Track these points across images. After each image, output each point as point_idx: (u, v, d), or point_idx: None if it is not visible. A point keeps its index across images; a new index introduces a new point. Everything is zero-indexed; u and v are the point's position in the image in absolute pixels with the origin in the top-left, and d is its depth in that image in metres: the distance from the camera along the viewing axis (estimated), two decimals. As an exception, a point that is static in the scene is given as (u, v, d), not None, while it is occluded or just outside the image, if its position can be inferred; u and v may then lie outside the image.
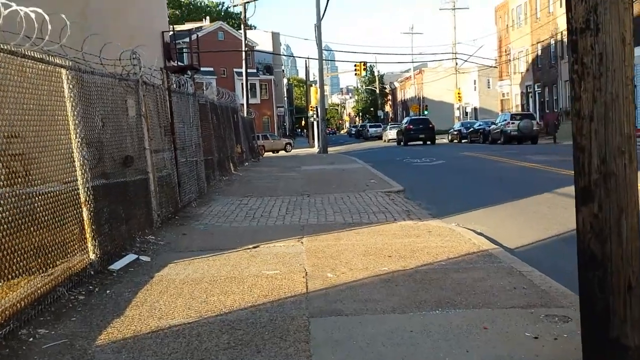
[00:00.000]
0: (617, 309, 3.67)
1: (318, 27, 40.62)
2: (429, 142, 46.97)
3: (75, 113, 6.96)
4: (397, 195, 14.34)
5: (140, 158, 9.78)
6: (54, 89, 6.59)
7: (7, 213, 5.18)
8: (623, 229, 3.62)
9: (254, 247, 8.47)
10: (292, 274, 6.86)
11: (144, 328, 5.18)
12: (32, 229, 5.64)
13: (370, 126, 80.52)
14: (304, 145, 60.71)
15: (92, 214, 7.04)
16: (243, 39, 46.84)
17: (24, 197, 5.52)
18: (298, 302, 5.78)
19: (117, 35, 13.55)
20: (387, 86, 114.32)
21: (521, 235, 9.28)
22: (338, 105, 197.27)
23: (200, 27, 65.03)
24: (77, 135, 6.96)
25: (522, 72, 58.35)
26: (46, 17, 6.35)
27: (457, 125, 56.02)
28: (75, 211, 6.73)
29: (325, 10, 40.56)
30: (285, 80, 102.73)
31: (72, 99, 6.92)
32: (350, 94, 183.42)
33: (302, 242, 8.74)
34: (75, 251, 6.61)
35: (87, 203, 6.96)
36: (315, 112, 48.11)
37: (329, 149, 42.17)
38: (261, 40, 76.62)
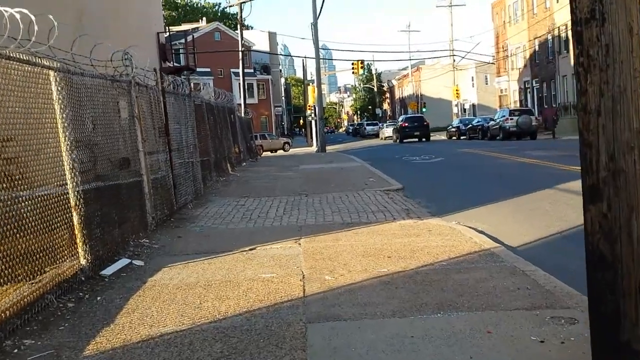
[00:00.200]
0: (628, 312, 3.49)
1: (315, 26, 40.44)
2: (424, 139, 47.92)
3: (64, 116, 6.77)
4: (396, 193, 14.16)
5: (133, 160, 9.59)
6: (41, 91, 6.39)
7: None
8: (634, 229, 3.43)
9: (251, 250, 8.29)
10: (289, 277, 6.67)
11: (135, 337, 4.99)
12: (18, 235, 5.45)
13: (368, 124, 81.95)
14: (303, 144, 60.56)
15: (82, 218, 6.85)
16: (240, 39, 46.66)
17: (8, 202, 5.33)
18: (295, 307, 5.59)
19: (112, 37, 13.34)
20: (385, 84, 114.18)
21: (523, 232, 9.10)
22: (336, 103, 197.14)
23: (197, 28, 64.81)
24: (67, 138, 6.77)
25: (519, 68, 58.19)
26: (32, 17, 6.16)
27: (455, 121, 55.89)
28: (64, 215, 6.54)
29: (321, 9, 40.32)
30: (282, 80, 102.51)
31: (60, 101, 6.72)
32: (348, 92, 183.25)
33: (300, 244, 8.55)
34: (65, 257, 6.42)
35: (77, 207, 6.77)
36: (313, 111, 48.03)
37: (328, 147, 41.99)
38: (258, 40, 76.39)
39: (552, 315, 5.02)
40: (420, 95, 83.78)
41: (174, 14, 78.74)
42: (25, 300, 5.34)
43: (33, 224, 5.76)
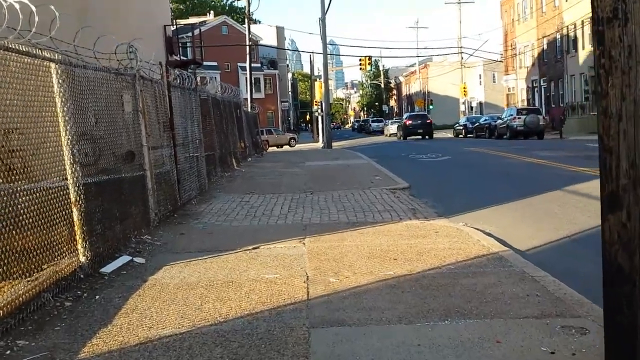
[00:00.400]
0: (646, 327, 3.33)
1: (322, 21, 40.25)
2: (427, 137, 48.44)
3: (66, 109, 6.62)
4: (403, 192, 13.99)
5: (137, 155, 9.44)
6: (41, 83, 6.24)
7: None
8: (655, 240, 3.26)
9: (254, 248, 8.13)
10: (292, 279, 6.52)
11: (132, 339, 4.84)
12: (15, 230, 5.30)
13: (373, 121, 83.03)
14: (309, 140, 60.37)
15: (83, 214, 6.70)
16: (247, 33, 46.50)
17: (5, 197, 5.18)
18: (298, 310, 5.44)
19: (117, 30, 13.20)
20: (392, 81, 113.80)
21: (531, 235, 8.92)
22: (343, 99, 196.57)
23: (204, 21, 64.68)
24: (67, 132, 6.62)
25: (527, 67, 57.84)
26: (33, 8, 6.01)
27: (462, 120, 55.67)
28: (64, 211, 6.40)
29: (329, 4, 40.08)
30: (289, 75, 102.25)
31: (62, 94, 6.58)
32: (355, 88, 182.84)
33: (304, 243, 8.40)
34: (64, 253, 6.29)
35: (77, 203, 6.63)
36: (319, 106, 47.87)
37: (334, 143, 41.78)
38: (265, 35, 76.22)
39: (562, 325, 4.86)
40: (428, 92, 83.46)
41: (181, 7, 78.60)
42: (21, 298, 5.19)
43: (31, 218, 5.62)
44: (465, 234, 8.69)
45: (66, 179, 6.56)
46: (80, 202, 6.68)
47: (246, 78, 47.80)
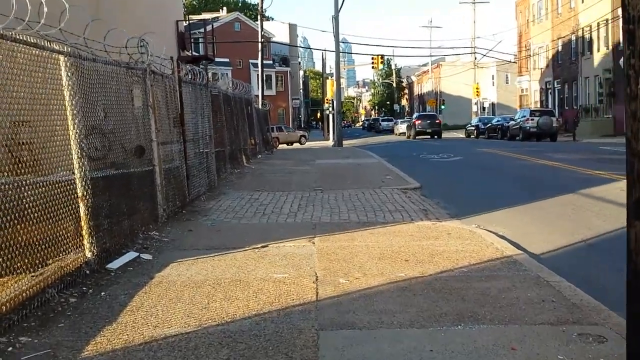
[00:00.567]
0: (672, 339, 3.18)
1: (335, 19, 40.09)
2: (435, 137, 49.56)
3: (74, 102, 6.51)
4: (414, 192, 13.83)
5: (146, 150, 9.33)
6: (50, 76, 6.14)
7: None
8: (684, 249, 3.11)
9: (263, 247, 8.01)
10: (301, 279, 6.39)
11: (137, 338, 4.72)
12: (20, 224, 5.20)
13: (383, 120, 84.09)
14: (319, 138, 60.24)
15: (89, 208, 6.60)
16: (259, 30, 46.33)
17: (10, 190, 5.08)
18: (307, 312, 5.31)
19: (128, 23, 13.10)
20: (404, 80, 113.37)
21: (546, 239, 8.75)
22: (354, 98, 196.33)
23: (217, 17, 64.62)
24: (76, 125, 6.52)
25: (541, 68, 57.45)
26: (42, -1, 5.90)
27: (474, 120, 55.42)
28: (71, 205, 6.29)
29: (343, 2, 39.92)
30: (301, 73, 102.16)
31: (70, 87, 6.47)
32: (366, 87, 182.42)
33: (314, 243, 8.26)
34: (70, 249, 6.18)
35: (84, 197, 6.52)
36: (330, 104, 47.71)
37: (344, 142, 41.64)
38: (278, 32, 76.10)
39: (579, 332, 4.71)
40: (440, 92, 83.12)
41: (194, 2, 78.64)
42: (25, 294, 5.09)
43: (37, 212, 5.52)
44: (478, 236, 8.53)
45: (74, 172, 6.46)
46: (88, 196, 6.58)
47: (258, 75, 47.62)
